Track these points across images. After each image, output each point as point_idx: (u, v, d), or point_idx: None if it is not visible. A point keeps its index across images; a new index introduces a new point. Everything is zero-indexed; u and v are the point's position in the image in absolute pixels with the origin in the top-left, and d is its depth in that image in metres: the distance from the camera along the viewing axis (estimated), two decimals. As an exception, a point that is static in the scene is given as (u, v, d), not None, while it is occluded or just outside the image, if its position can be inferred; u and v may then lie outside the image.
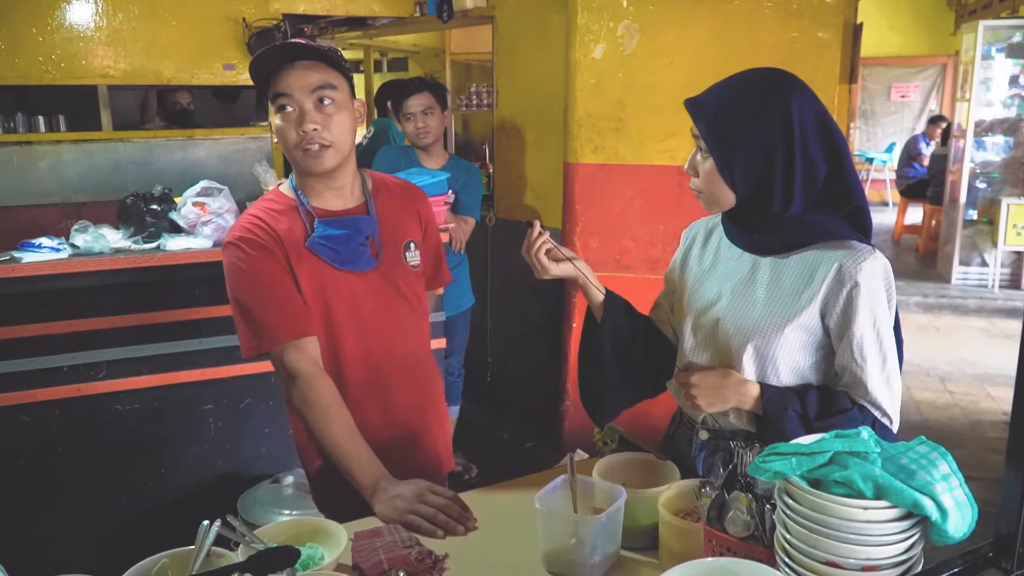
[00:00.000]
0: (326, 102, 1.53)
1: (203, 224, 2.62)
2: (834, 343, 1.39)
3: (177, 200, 2.76)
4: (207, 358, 2.67)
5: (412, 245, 1.70)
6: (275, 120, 1.55)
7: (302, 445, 1.70)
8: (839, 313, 1.36)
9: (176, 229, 2.66)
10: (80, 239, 2.54)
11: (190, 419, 2.71)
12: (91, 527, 2.60)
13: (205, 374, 2.68)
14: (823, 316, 1.37)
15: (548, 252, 1.50)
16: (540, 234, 1.50)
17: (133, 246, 2.62)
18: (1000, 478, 1.03)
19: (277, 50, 1.52)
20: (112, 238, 2.60)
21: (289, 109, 1.52)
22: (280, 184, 1.69)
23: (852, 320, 1.34)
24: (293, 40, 1.57)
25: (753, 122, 1.36)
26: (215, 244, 2.64)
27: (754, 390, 1.39)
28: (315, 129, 1.51)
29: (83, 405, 2.55)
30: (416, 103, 3.22)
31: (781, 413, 1.36)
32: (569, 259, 1.52)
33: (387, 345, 1.65)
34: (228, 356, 2.67)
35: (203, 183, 2.74)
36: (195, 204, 2.63)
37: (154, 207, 2.66)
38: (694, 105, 1.41)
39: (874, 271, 1.34)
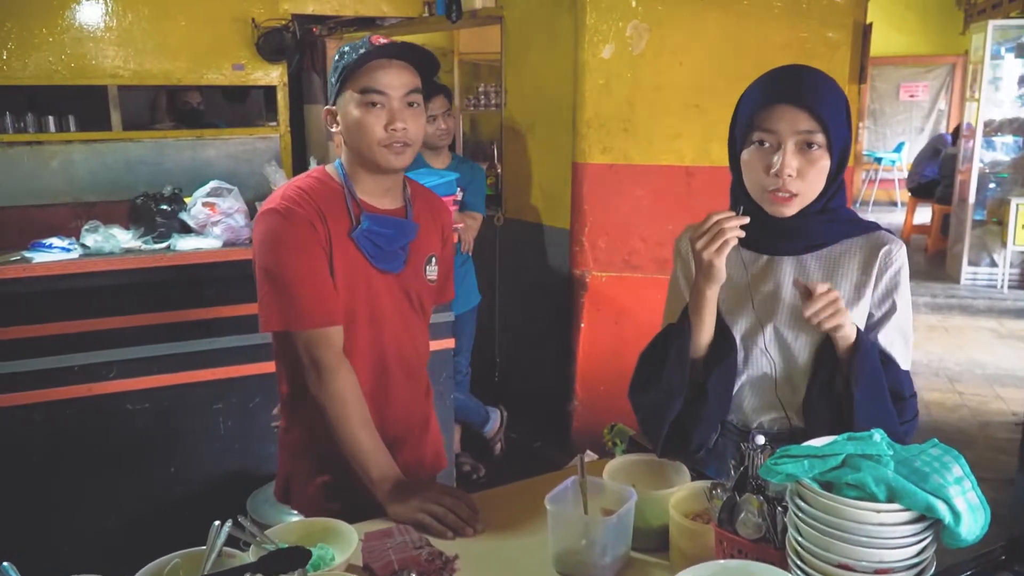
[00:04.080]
0: (414, 105, 1.55)
1: (213, 224, 2.63)
2: (868, 325, 1.41)
3: (187, 200, 2.77)
4: (217, 358, 2.68)
5: (433, 260, 1.71)
6: (354, 111, 1.52)
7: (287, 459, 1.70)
8: (881, 295, 1.41)
9: (186, 229, 2.67)
10: (91, 239, 2.56)
11: (200, 418, 2.71)
12: (101, 526, 2.61)
13: (215, 374, 2.69)
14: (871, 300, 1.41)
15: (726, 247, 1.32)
16: (740, 228, 1.32)
17: (143, 246, 2.63)
18: (1010, 479, 1.03)
19: (379, 48, 1.51)
20: (122, 238, 2.62)
21: (379, 106, 1.52)
22: (325, 165, 1.65)
23: (894, 302, 1.40)
24: (398, 41, 1.55)
25: (846, 113, 1.36)
26: (225, 244, 2.65)
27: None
28: (404, 129, 1.52)
29: (93, 405, 2.56)
30: (436, 106, 3.30)
31: (872, 350, 1.34)
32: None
33: (396, 347, 1.65)
34: (238, 356, 2.68)
35: (213, 183, 2.75)
36: (205, 204, 2.64)
37: (164, 207, 2.67)
38: (800, 96, 1.31)
39: (906, 256, 1.42)
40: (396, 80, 1.52)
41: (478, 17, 4.08)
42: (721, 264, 1.33)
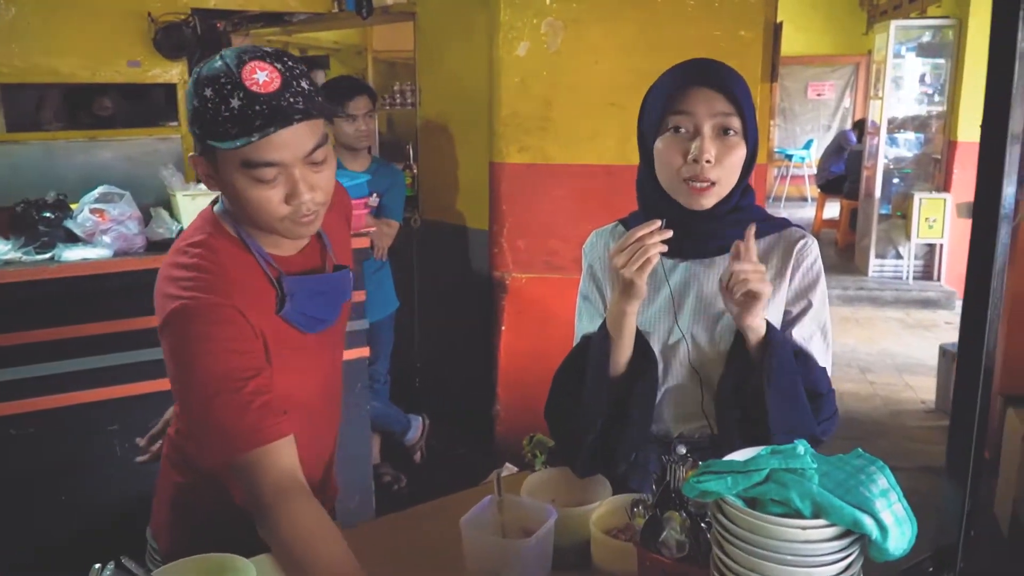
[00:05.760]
0: (319, 160, 1.20)
1: (103, 232, 2.45)
2: (785, 321, 1.39)
3: (74, 207, 2.57)
4: (110, 376, 2.48)
5: (351, 274, 1.44)
6: (239, 184, 1.17)
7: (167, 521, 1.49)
8: (796, 291, 1.39)
9: (73, 238, 2.48)
10: (-38, 251, 2.34)
11: (93, 442, 2.51)
12: (-16, 564, 2.40)
13: (109, 393, 2.49)
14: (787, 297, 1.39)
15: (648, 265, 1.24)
16: (663, 242, 1.24)
17: (24, 257, 2.41)
18: (923, 467, 1.01)
19: (263, 120, 1.11)
20: (0, 249, 2.40)
21: (275, 179, 1.17)
22: (215, 210, 1.30)
23: (809, 298, 1.38)
24: (299, 102, 1.15)
25: (754, 109, 1.33)
26: (116, 253, 2.47)
27: None
28: (311, 198, 1.19)
29: (-30, 432, 2.34)
30: (359, 105, 3.19)
31: (784, 344, 1.29)
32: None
33: (324, 388, 1.46)
34: (134, 373, 2.49)
35: (101, 188, 2.56)
36: (93, 211, 2.45)
37: (47, 215, 2.46)
38: (716, 78, 1.29)
39: (819, 251, 1.41)
40: (294, 147, 1.15)
41: (390, 13, 3.97)
42: (642, 283, 1.25)
